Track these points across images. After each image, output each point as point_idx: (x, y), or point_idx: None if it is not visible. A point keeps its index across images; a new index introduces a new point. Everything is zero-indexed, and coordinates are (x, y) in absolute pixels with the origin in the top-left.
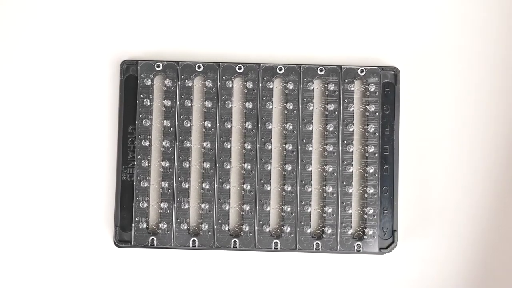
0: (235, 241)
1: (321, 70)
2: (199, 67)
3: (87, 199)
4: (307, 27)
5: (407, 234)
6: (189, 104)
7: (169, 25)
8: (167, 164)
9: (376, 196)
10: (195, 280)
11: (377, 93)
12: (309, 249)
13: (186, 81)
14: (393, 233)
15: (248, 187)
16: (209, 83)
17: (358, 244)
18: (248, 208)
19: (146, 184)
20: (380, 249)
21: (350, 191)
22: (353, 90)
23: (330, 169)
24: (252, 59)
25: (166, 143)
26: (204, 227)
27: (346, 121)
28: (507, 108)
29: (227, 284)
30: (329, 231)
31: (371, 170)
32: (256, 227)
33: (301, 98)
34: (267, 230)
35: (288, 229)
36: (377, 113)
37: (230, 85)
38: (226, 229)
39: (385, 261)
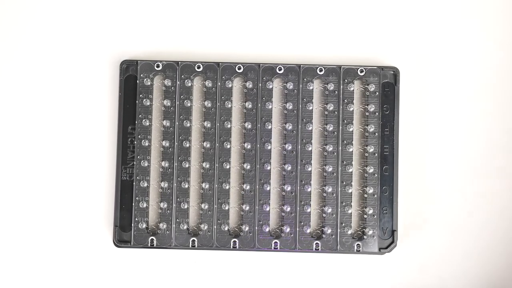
0: (234, 241)
1: (320, 70)
2: (198, 67)
3: (87, 199)
4: (306, 27)
5: (407, 234)
6: (189, 104)
7: (169, 25)
8: (167, 164)
9: (375, 196)
10: (195, 280)
11: (377, 93)
12: (308, 249)
13: (186, 81)
14: (393, 233)
15: (248, 187)
16: (208, 83)
17: (357, 244)
18: (247, 208)
19: (145, 184)
20: (379, 249)
21: (350, 191)
22: (353, 90)
23: (330, 169)
24: (252, 59)
25: (165, 143)
26: (204, 227)
27: (345, 121)
28: (507, 108)
29: (227, 284)
30: (329, 231)
31: (371, 170)
32: (255, 227)
33: (301, 98)
34: (267, 230)
35: (288, 229)
36: (377, 113)
37: (230, 85)
38: (226, 229)
39: (384, 261)
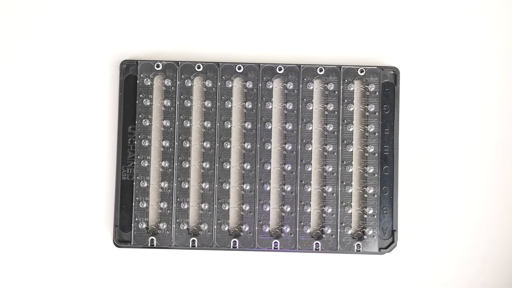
0: (234, 241)
1: (320, 70)
2: (198, 67)
3: (87, 199)
4: (306, 27)
5: (407, 234)
6: (189, 104)
7: (169, 25)
8: (167, 164)
9: (375, 196)
10: (195, 280)
11: (377, 93)
12: (308, 249)
13: (186, 81)
14: (393, 233)
15: (248, 187)
16: (208, 83)
17: (357, 244)
18: (247, 208)
19: (145, 184)
20: (379, 249)
21: (350, 191)
22: (353, 90)
23: (330, 169)
24: (252, 59)
25: (165, 143)
26: (204, 227)
27: (345, 121)
28: (507, 108)
29: (227, 284)
30: (329, 231)
31: (371, 170)
32: (255, 227)
33: (301, 98)
34: (267, 230)
35: (288, 229)
36: (377, 113)
37: (230, 85)
38: (226, 229)
39: (384, 261)
